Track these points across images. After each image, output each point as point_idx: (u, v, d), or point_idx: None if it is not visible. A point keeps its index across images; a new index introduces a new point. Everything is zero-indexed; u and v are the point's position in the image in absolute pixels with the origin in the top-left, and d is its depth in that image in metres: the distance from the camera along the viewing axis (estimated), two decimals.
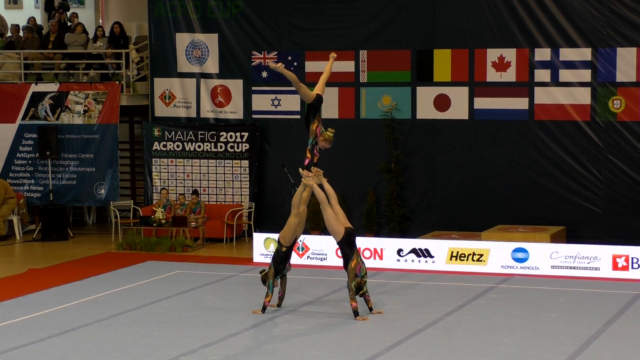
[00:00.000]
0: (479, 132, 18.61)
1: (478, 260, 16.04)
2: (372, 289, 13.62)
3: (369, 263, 15.08)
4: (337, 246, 13.49)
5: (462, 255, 16.11)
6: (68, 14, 22.78)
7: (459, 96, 18.64)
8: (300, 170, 13.16)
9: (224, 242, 19.37)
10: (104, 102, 20.35)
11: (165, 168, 20.33)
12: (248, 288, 14.64)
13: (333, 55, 13.81)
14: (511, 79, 18.31)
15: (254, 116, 20.00)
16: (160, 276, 15.83)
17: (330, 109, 18.96)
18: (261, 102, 20.02)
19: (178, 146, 20.27)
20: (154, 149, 20.38)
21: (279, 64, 13.07)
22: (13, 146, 20.82)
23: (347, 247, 12.94)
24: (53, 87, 20.66)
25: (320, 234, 17.68)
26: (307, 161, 13.16)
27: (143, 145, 20.67)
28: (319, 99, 13.16)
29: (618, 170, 17.89)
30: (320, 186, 13.22)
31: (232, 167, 20.02)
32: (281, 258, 13.16)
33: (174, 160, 20.26)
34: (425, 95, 18.86)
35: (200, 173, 20.18)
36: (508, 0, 18.30)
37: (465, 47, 18.54)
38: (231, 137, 19.99)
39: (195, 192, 19.72)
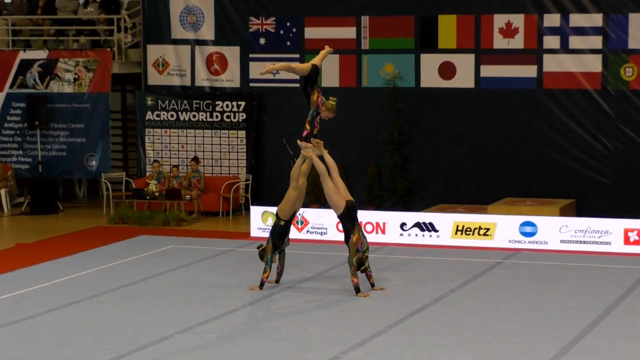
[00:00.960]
0: (485, 101, 18.67)
1: (484, 234, 16.00)
2: (374, 265, 13.54)
3: (371, 237, 15.08)
4: (338, 220, 13.48)
5: (468, 230, 16.07)
6: None
7: (464, 64, 18.63)
8: (299, 142, 13.09)
9: (220, 215, 19.33)
10: (95, 70, 20.32)
11: (158, 139, 20.32)
12: (245, 263, 14.58)
13: (329, 48, 13.70)
14: (519, 45, 18.33)
15: (251, 85, 19.99)
16: (153, 251, 15.77)
17: (330, 77, 19.06)
18: (259, 70, 19.55)
19: (172, 116, 20.23)
20: (147, 118, 20.36)
21: (265, 66, 12.98)
22: (0, 116, 20.86)
23: (348, 221, 12.82)
24: (42, 55, 20.66)
25: (320, 208, 17.71)
26: (305, 133, 13.08)
27: (136, 115, 20.72)
28: (315, 69, 13.08)
29: (629, 141, 17.95)
30: (321, 158, 13.17)
31: (229, 137, 19.96)
32: (279, 232, 13.10)
33: (167, 130, 20.30)
34: (430, 63, 18.83)
35: (195, 144, 20.14)
36: None
37: (471, 12, 18.58)
38: (227, 106, 19.89)
39: (195, 159, 19.58)
